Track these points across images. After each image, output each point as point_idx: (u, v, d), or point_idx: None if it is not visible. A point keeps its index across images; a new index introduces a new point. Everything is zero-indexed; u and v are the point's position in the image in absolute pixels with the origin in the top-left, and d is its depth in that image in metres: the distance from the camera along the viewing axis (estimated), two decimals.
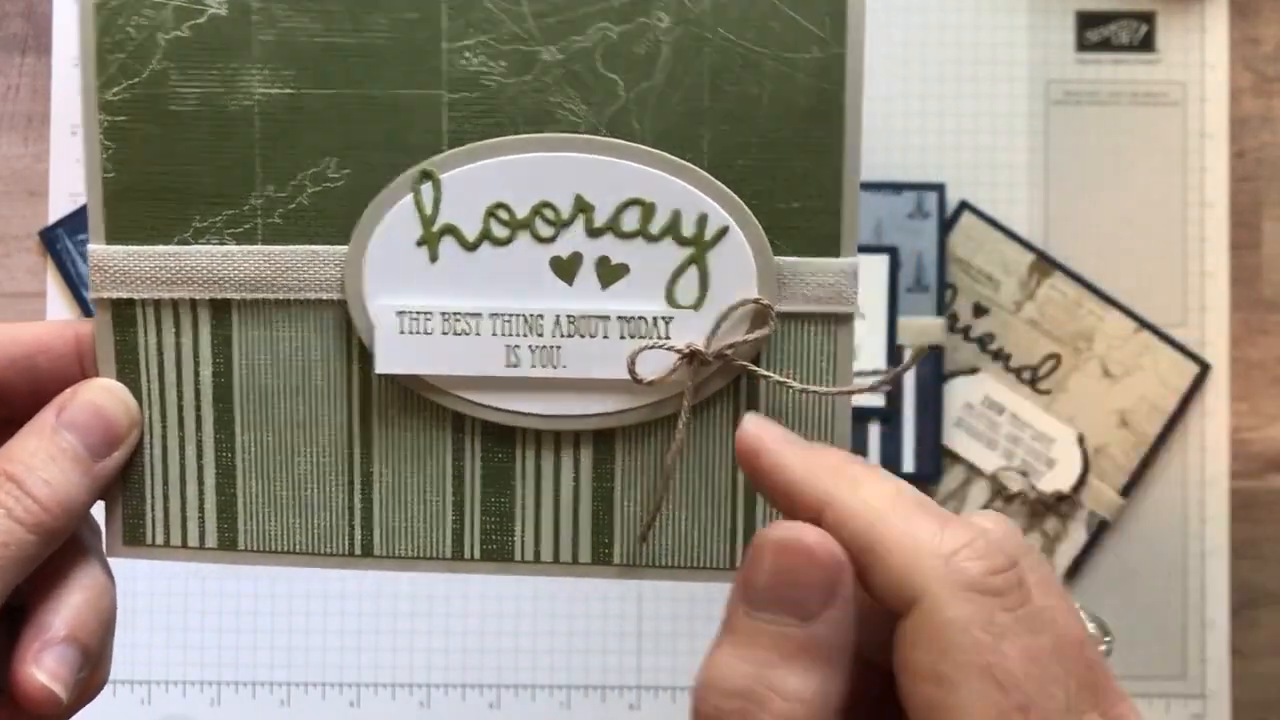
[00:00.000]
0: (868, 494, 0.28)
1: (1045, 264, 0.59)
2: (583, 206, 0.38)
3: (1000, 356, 0.59)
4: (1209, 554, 0.59)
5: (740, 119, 0.38)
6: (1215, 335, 0.59)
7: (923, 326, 0.58)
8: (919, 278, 0.59)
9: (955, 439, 0.58)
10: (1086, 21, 0.60)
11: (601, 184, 0.38)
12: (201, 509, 0.37)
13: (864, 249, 0.58)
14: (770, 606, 0.28)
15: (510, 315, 0.38)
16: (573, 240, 0.38)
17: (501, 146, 0.37)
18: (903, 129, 0.60)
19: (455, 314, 0.38)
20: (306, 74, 0.37)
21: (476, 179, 0.38)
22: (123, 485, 0.35)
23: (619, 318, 0.38)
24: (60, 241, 0.60)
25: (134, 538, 0.36)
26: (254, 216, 0.37)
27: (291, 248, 0.37)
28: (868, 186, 0.59)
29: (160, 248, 0.36)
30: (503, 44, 0.38)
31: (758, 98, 0.38)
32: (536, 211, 0.38)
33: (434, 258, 0.37)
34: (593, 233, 0.38)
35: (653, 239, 0.38)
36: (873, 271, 0.59)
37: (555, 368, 0.38)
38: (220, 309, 0.37)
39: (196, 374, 0.37)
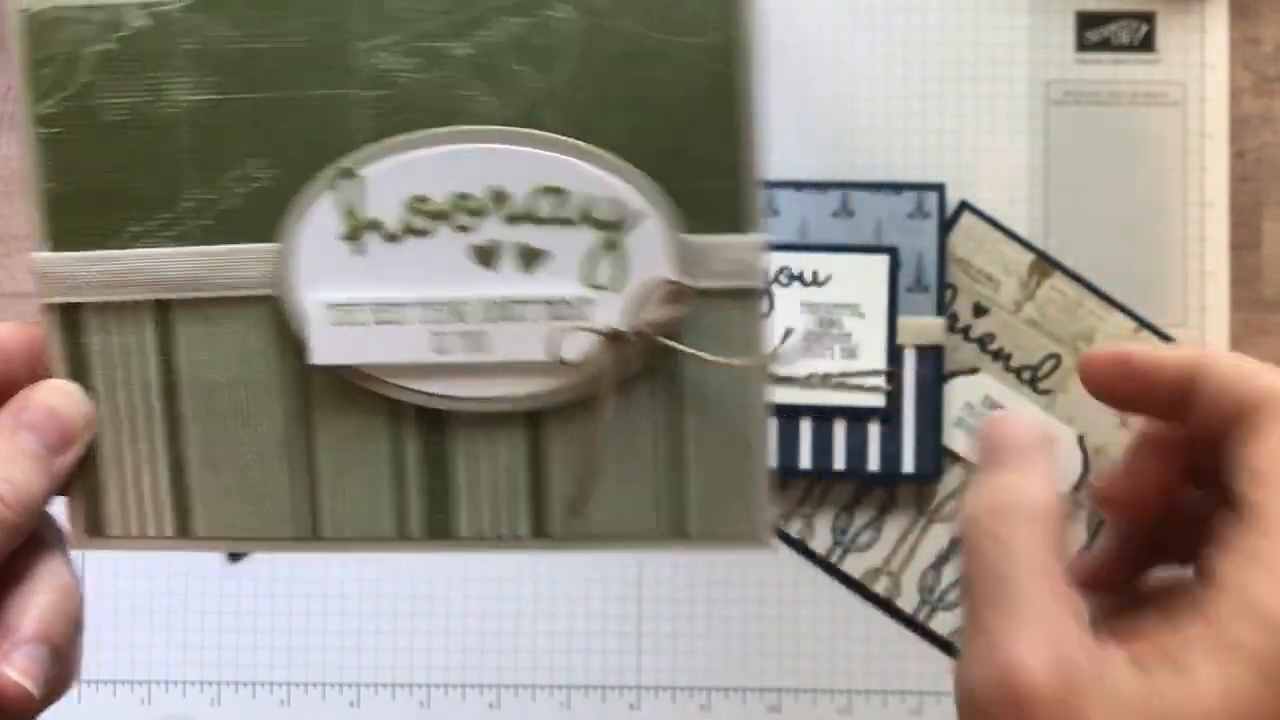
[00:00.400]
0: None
1: (1045, 264, 0.59)
2: (499, 195, 0.39)
3: (1000, 356, 0.59)
4: None
5: (646, 105, 0.39)
6: (1215, 335, 0.59)
7: (923, 326, 0.58)
8: (919, 278, 0.58)
9: (955, 439, 0.58)
10: (1086, 21, 0.60)
11: (516, 173, 0.39)
12: (157, 499, 0.39)
13: (863, 249, 0.58)
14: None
15: (436, 304, 0.39)
16: (492, 228, 0.39)
17: (417, 141, 0.38)
18: (903, 129, 0.60)
19: (383, 304, 0.39)
20: (229, 80, 0.38)
21: (395, 173, 0.39)
22: (81, 481, 0.37)
23: (541, 301, 0.39)
24: None
25: (95, 529, 0.38)
26: (187, 219, 0.38)
27: (224, 247, 0.38)
28: (868, 186, 0.59)
29: (100, 253, 0.38)
30: (413, 42, 0.39)
31: (660, 83, 0.39)
32: (454, 202, 0.39)
33: (359, 251, 0.39)
34: (510, 220, 0.39)
35: (569, 224, 0.39)
36: (873, 271, 0.58)
37: (482, 352, 0.39)
38: (162, 308, 0.38)
39: (144, 371, 0.38)
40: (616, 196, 0.39)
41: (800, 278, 0.58)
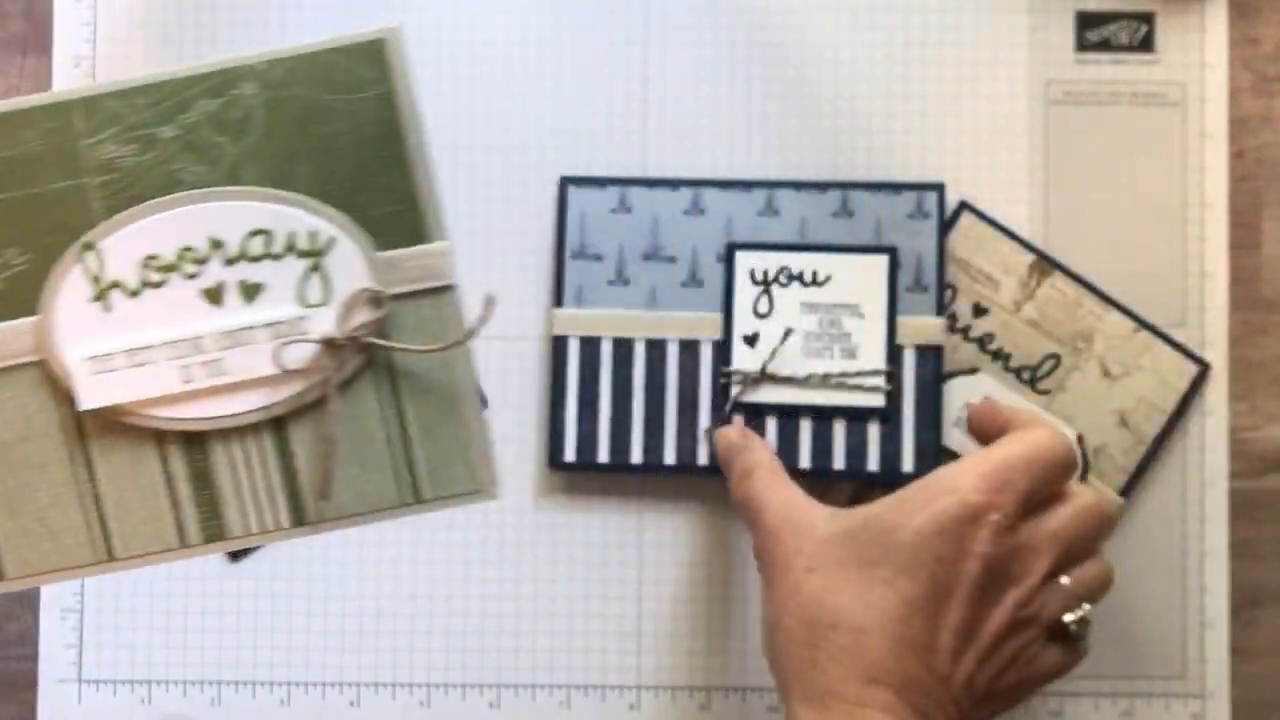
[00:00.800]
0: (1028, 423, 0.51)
1: (1045, 264, 0.59)
2: (216, 244, 0.48)
3: (1000, 356, 0.59)
4: (1208, 554, 0.59)
5: (328, 152, 0.48)
6: (1215, 335, 0.60)
7: (922, 326, 0.58)
8: (919, 278, 0.58)
9: (955, 439, 0.58)
10: (1086, 22, 0.60)
11: (228, 223, 0.48)
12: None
13: (863, 249, 0.58)
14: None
15: (178, 341, 0.47)
16: (215, 272, 0.48)
17: (143, 211, 0.47)
18: (903, 129, 0.60)
19: (133, 350, 0.47)
20: None
21: (128, 240, 0.47)
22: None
23: (263, 325, 0.48)
24: None
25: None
26: None
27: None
28: (868, 186, 0.58)
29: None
30: (129, 132, 0.48)
31: (337, 134, 0.48)
32: (181, 255, 0.48)
33: (107, 309, 0.47)
34: (229, 263, 0.48)
35: (277, 258, 0.48)
36: (872, 271, 0.58)
37: (222, 376, 0.48)
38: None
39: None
40: (313, 229, 0.48)
41: (800, 278, 0.58)
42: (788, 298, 0.58)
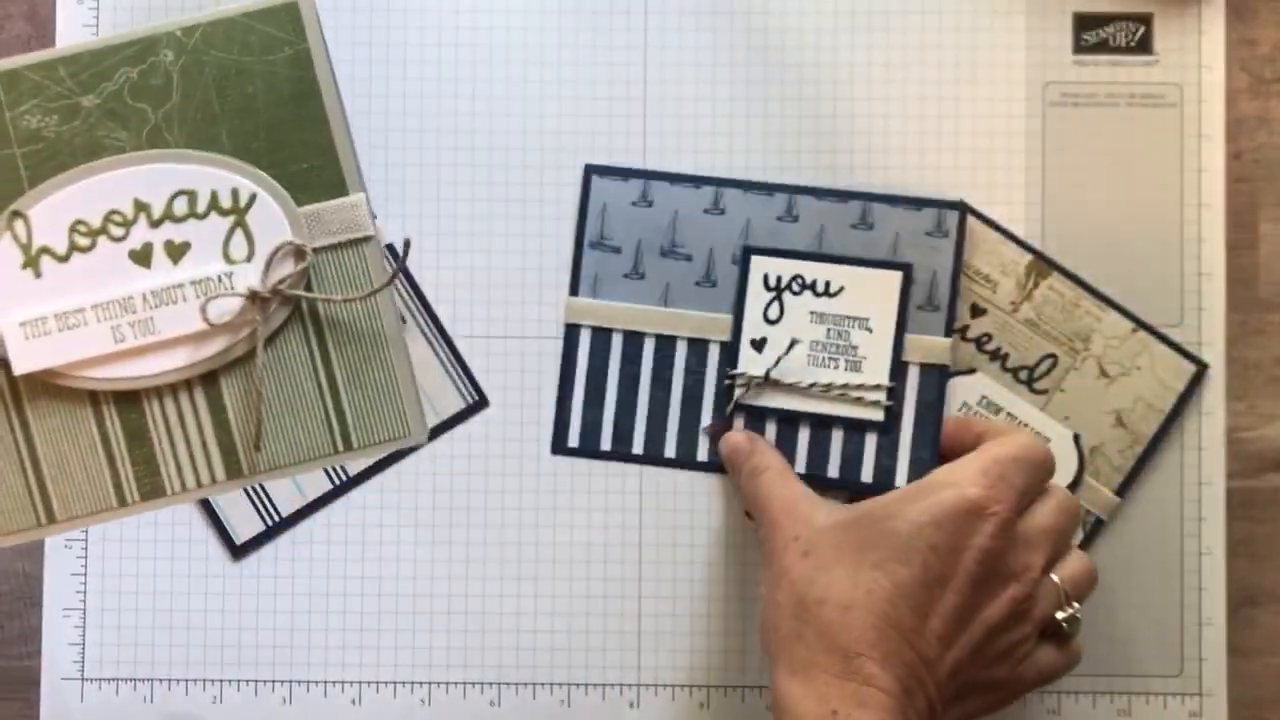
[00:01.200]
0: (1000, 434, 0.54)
1: (1043, 264, 0.59)
2: (141, 206, 0.50)
3: (997, 356, 0.59)
4: (1205, 553, 0.59)
5: (246, 112, 0.50)
6: (1212, 335, 0.60)
7: (930, 345, 0.58)
8: (931, 296, 0.58)
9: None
10: (1084, 23, 0.60)
11: (151, 186, 0.50)
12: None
13: (878, 263, 0.58)
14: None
15: (107, 303, 0.49)
16: (141, 234, 0.50)
17: (69, 178, 0.49)
18: (901, 130, 0.60)
19: (64, 313, 0.48)
20: None
21: (55, 207, 0.49)
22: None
23: (190, 283, 0.50)
24: None
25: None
26: None
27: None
28: (889, 200, 0.59)
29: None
30: (51, 103, 0.49)
31: (254, 94, 0.50)
32: (107, 219, 0.49)
33: (38, 274, 0.48)
34: (154, 224, 0.50)
35: (201, 217, 0.50)
36: (885, 286, 0.58)
37: (153, 334, 0.50)
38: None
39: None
40: (235, 187, 0.50)
41: (812, 287, 0.58)
42: (799, 305, 0.58)
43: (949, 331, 0.58)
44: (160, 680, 0.59)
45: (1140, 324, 0.59)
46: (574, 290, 0.59)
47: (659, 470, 0.59)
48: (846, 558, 0.49)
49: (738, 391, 0.58)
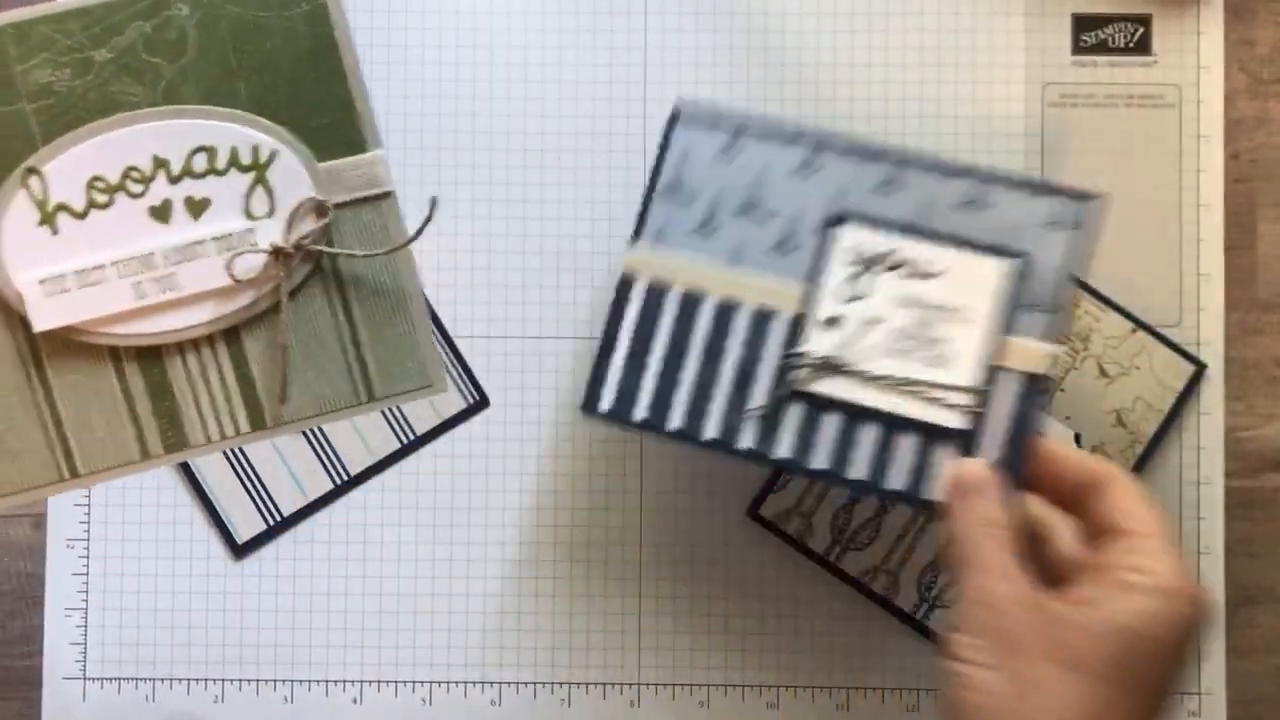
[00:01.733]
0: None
1: None
2: (160, 163, 0.49)
3: None
4: (1205, 553, 0.60)
5: (264, 68, 0.50)
6: (1211, 335, 0.60)
7: (1030, 351, 0.50)
8: (1041, 295, 0.51)
9: None
10: (1083, 24, 0.60)
11: (170, 142, 0.49)
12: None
13: (987, 249, 0.51)
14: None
15: (128, 260, 0.48)
16: (160, 190, 0.49)
17: (85, 133, 0.48)
18: (900, 130, 0.60)
19: (83, 270, 0.48)
20: None
21: (71, 163, 0.48)
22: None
23: (212, 239, 0.50)
24: None
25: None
26: None
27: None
28: (1009, 182, 0.52)
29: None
30: (62, 56, 0.48)
31: (272, 50, 0.50)
32: (125, 175, 0.48)
33: (55, 232, 0.48)
34: (173, 180, 0.49)
35: (221, 173, 0.50)
36: (989, 276, 0.51)
37: (174, 290, 0.49)
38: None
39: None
40: (255, 143, 0.50)
41: (906, 266, 0.51)
42: (886, 286, 0.51)
43: (1053, 334, 0.51)
44: (162, 680, 0.59)
45: (1139, 324, 0.59)
46: (636, 237, 0.53)
47: (661, 465, 0.59)
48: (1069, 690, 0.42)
49: (796, 375, 0.51)
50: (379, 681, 0.59)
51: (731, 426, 0.51)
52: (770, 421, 0.51)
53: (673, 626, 0.60)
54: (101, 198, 0.48)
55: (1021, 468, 0.49)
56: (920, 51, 0.60)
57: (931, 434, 0.50)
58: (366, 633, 0.59)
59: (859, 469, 0.50)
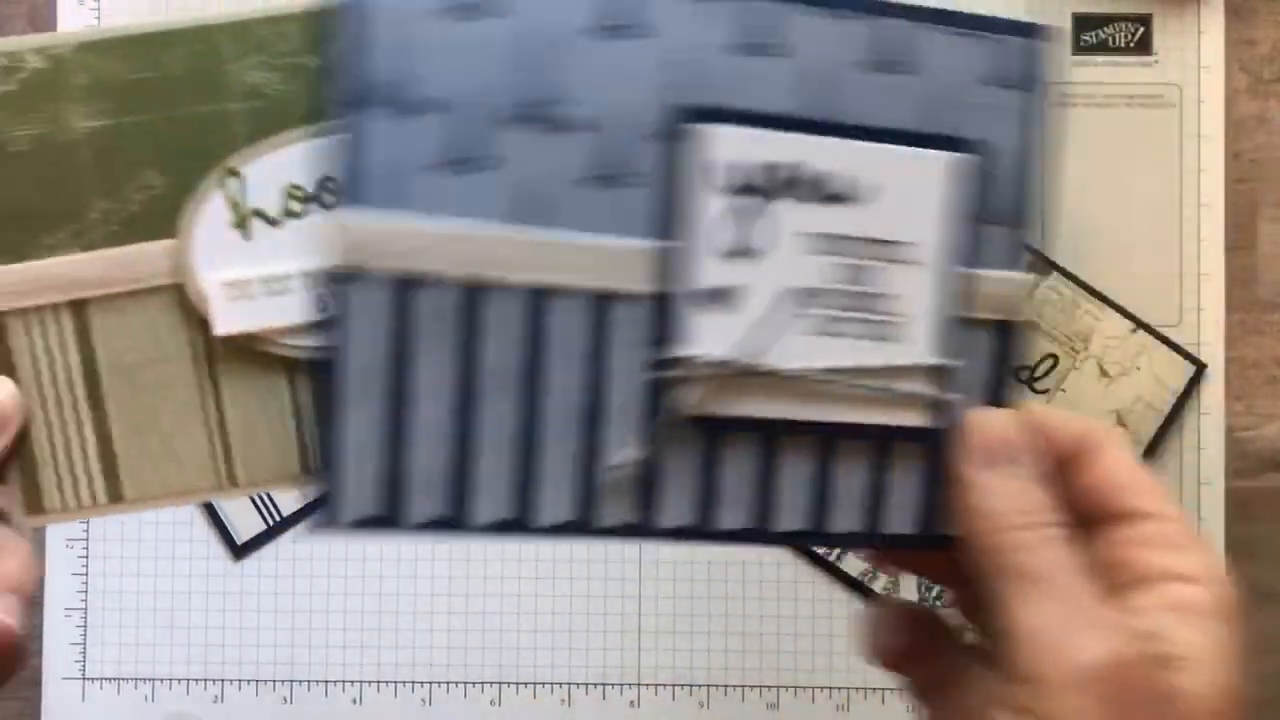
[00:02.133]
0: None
1: (1042, 264, 0.59)
2: None
3: None
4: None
5: None
6: (1211, 335, 0.60)
7: (999, 290, 0.34)
8: (1011, 197, 0.34)
9: None
10: (1083, 23, 0.60)
11: None
12: (88, 471, 0.43)
13: (921, 138, 0.33)
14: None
15: (314, 272, 0.44)
16: None
17: (288, 139, 0.45)
18: None
19: (271, 278, 0.44)
20: (121, 106, 0.45)
21: (272, 168, 0.45)
22: (17, 465, 0.41)
23: None
24: None
25: (35, 508, 0.42)
26: (95, 227, 0.44)
27: (130, 248, 0.43)
28: (935, 16, 0.34)
29: (18, 265, 0.42)
30: (276, 59, 0.46)
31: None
32: (321, 185, 0.45)
33: (247, 236, 0.45)
34: None
35: None
36: (926, 181, 0.33)
37: None
38: (78, 306, 0.43)
39: (66, 363, 0.43)
40: None
41: (811, 187, 0.32)
42: (788, 222, 0.32)
43: (1025, 262, 0.35)
44: (161, 680, 0.59)
45: (1139, 324, 0.59)
46: (352, 204, 0.33)
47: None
48: None
49: (676, 393, 0.32)
50: (379, 682, 0.59)
51: (586, 496, 0.33)
52: (648, 475, 0.33)
53: (673, 626, 0.60)
54: (297, 206, 0.47)
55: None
56: None
57: (885, 442, 0.34)
58: (366, 633, 0.59)
59: (792, 515, 0.34)
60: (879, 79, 0.33)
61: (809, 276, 0.33)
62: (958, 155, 0.33)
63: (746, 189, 0.32)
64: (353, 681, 0.59)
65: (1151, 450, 0.59)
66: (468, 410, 0.32)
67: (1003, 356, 0.34)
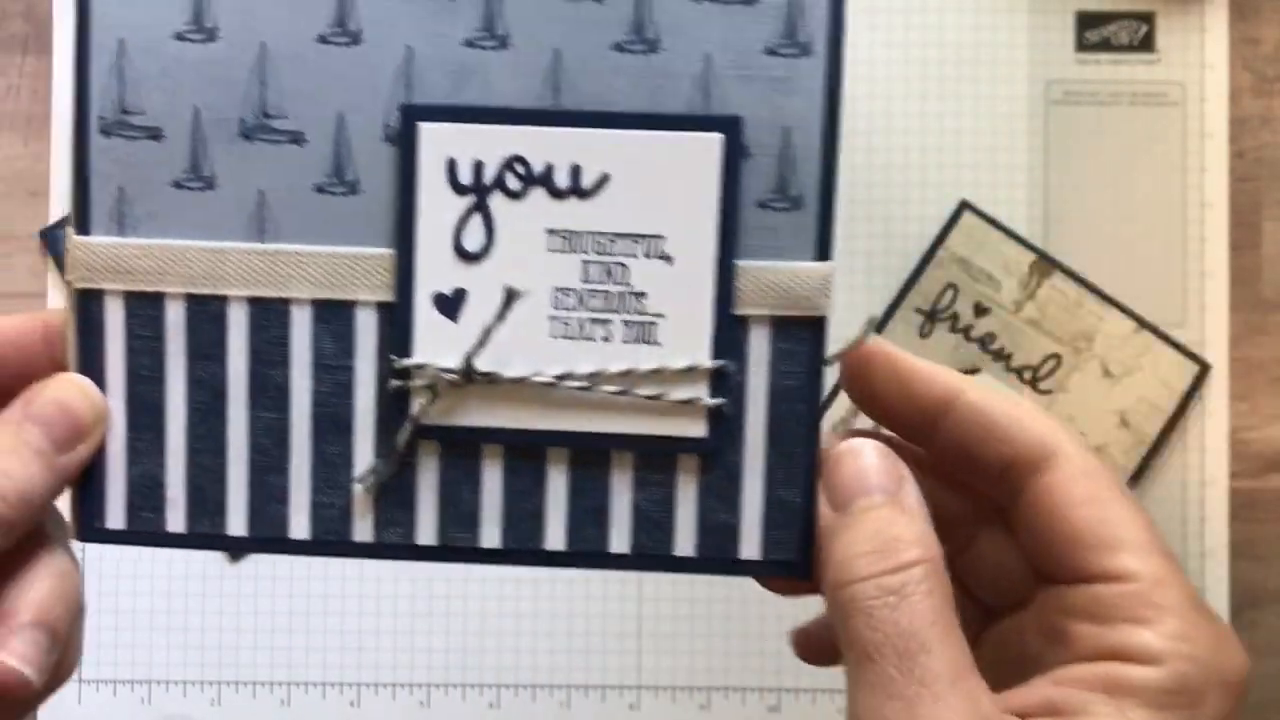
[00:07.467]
0: (983, 387, 0.31)
1: (1046, 264, 0.59)
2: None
3: (1001, 356, 0.59)
4: (1209, 554, 0.59)
5: None
6: (1215, 335, 0.60)
7: (789, 278, 0.31)
8: (783, 177, 0.31)
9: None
10: (1086, 22, 0.60)
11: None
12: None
13: (674, 122, 0.31)
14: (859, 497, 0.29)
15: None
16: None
17: None
18: (903, 129, 0.60)
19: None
20: None
21: None
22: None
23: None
24: (61, 241, 0.60)
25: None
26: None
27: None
28: None
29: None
30: None
31: None
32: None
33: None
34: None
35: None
36: (691, 167, 0.31)
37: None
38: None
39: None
40: None
41: (547, 179, 0.31)
42: (522, 218, 0.31)
43: (826, 249, 0.31)
44: (158, 682, 0.59)
45: (1143, 324, 0.59)
46: (82, 225, 0.32)
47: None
48: None
49: (416, 403, 0.32)
50: (376, 684, 0.59)
51: (329, 510, 0.33)
52: (400, 489, 0.32)
53: (673, 628, 0.59)
54: None
55: (810, 469, 0.32)
56: (922, 49, 0.60)
57: (659, 455, 0.32)
58: (364, 635, 0.59)
59: (553, 538, 0.33)
60: (620, 59, 0.31)
61: (549, 276, 0.31)
62: (701, 135, 0.31)
63: (469, 188, 0.31)
64: (350, 684, 0.59)
65: (1155, 451, 0.59)
66: (209, 423, 0.33)
67: (802, 355, 0.31)
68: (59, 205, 0.60)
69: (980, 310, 0.59)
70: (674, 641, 0.59)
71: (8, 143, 0.61)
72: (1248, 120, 0.60)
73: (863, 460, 0.30)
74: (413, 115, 0.31)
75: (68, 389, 0.33)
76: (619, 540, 0.33)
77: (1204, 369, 0.59)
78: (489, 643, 0.59)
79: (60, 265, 0.60)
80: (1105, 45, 0.60)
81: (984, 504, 0.32)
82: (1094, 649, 0.28)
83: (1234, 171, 0.60)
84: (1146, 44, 0.60)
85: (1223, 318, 0.60)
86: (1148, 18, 0.60)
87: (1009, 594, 0.31)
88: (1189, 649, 0.28)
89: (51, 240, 0.60)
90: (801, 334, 0.31)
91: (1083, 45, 0.60)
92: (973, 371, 0.59)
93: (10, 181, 0.61)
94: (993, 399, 0.30)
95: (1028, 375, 0.59)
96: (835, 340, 0.32)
